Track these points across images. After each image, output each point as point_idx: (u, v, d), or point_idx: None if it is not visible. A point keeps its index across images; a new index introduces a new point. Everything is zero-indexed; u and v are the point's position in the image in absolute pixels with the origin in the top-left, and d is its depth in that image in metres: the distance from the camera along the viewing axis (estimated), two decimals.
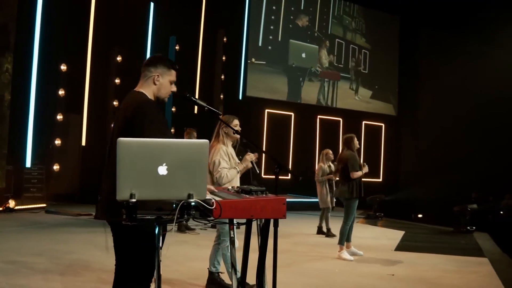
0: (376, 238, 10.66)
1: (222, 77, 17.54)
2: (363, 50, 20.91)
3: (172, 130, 10.71)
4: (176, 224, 3.00)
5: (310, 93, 19.55)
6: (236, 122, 5.28)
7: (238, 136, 5.27)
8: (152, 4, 14.99)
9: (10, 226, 9.14)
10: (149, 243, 3.10)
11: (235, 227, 3.33)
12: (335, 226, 10.68)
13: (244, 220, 3.44)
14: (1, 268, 5.82)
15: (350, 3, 20.63)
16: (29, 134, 11.85)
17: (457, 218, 12.34)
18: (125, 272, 3.25)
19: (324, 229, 10.60)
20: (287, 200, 3.08)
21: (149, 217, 2.76)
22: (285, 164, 3.92)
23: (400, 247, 9.50)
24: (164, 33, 15.13)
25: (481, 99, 17.88)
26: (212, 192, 3.58)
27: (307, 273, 6.73)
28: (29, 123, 11.86)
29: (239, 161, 5.29)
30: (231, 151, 5.37)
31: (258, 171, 5.26)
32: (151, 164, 2.54)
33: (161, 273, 2.89)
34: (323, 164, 10.54)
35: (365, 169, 7.90)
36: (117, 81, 14.45)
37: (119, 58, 14.45)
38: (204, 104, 3.56)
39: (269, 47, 18.62)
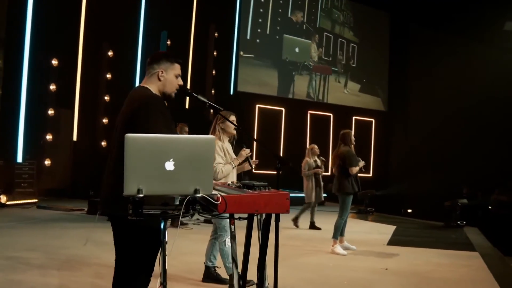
0: (368, 233, 10.75)
1: (214, 72, 17.53)
2: (351, 44, 20.93)
3: None
4: (170, 220, 3.02)
5: (301, 87, 19.58)
6: (233, 118, 5.30)
7: (235, 131, 5.30)
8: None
9: (2, 222, 9.10)
10: (151, 237, 3.12)
11: (235, 221, 3.35)
12: (323, 220, 10.81)
13: (243, 215, 3.46)
14: None
15: None
16: (20, 129, 11.78)
17: (448, 213, 12.48)
18: (125, 267, 3.26)
19: (315, 224, 10.73)
20: None
21: (154, 212, 2.78)
22: (287, 160, 3.93)
23: (392, 242, 9.60)
24: (156, 28, 15.08)
25: (471, 96, 18.02)
26: (213, 187, 3.60)
27: (301, 268, 6.78)
28: (20, 118, 11.77)
29: (235, 157, 5.32)
30: (227, 146, 5.39)
31: (252, 168, 5.29)
32: (158, 159, 2.56)
33: (162, 268, 2.92)
34: (309, 159, 10.65)
35: (361, 164, 7.96)
36: (109, 76, 14.42)
37: (110, 53, 14.40)
38: (205, 100, 3.57)
39: (257, 40, 18.52)
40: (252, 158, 5.40)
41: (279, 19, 19.08)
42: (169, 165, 2.57)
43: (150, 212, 2.74)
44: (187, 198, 2.67)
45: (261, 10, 18.62)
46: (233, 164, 5.22)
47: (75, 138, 13.77)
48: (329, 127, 19.86)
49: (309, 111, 19.82)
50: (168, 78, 3.32)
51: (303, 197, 10.72)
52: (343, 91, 20.70)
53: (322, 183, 10.70)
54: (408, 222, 13.64)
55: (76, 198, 12.76)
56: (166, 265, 2.99)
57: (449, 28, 19.08)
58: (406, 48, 20.95)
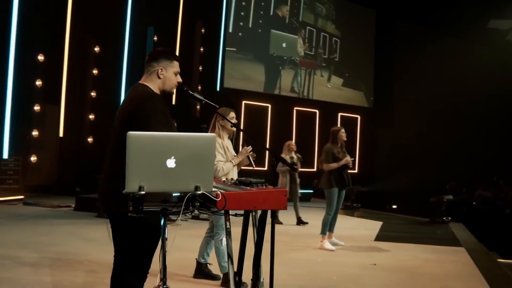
0: (354, 229, 10.83)
1: (200, 68, 17.51)
2: (333, 38, 20.97)
3: None
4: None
5: (287, 81, 19.59)
6: (232, 114, 5.31)
7: (234, 129, 5.30)
8: None
9: None
10: (150, 234, 3.14)
11: (231, 217, 3.38)
12: (311, 216, 10.89)
13: (239, 211, 3.49)
14: None
15: None
16: (5, 125, 11.67)
17: (433, 208, 12.61)
18: (124, 263, 3.28)
19: (302, 219, 10.84)
20: None
21: (154, 209, 2.80)
22: (282, 157, 3.96)
23: (380, 237, 9.69)
24: (142, 24, 15.02)
25: (456, 92, 18.22)
26: None
27: (290, 263, 6.82)
28: (5, 114, 11.66)
29: (235, 154, 5.32)
30: (228, 143, 5.39)
31: (253, 165, 5.27)
32: (160, 157, 2.60)
33: (162, 264, 2.94)
34: (284, 155, 10.74)
35: (343, 162, 8.00)
36: (95, 71, 14.33)
37: (97, 49, 14.31)
38: (201, 98, 3.59)
39: (240, 34, 18.45)
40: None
41: (261, 12, 18.96)
42: (170, 163, 2.61)
43: (151, 209, 2.77)
44: (187, 195, 2.70)
45: (243, 3, 18.46)
46: (233, 162, 5.22)
47: (61, 134, 13.67)
48: (315, 124, 19.94)
49: (295, 108, 19.86)
50: (168, 76, 3.34)
51: None
52: (327, 85, 20.74)
53: (298, 180, 10.84)
54: (394, 218, 13.76)
55: (63, 195, 12.68)
56: (154, 261, 3.02)
57: (435, 25, 19.26)
58: (391, 45, 21.08)
